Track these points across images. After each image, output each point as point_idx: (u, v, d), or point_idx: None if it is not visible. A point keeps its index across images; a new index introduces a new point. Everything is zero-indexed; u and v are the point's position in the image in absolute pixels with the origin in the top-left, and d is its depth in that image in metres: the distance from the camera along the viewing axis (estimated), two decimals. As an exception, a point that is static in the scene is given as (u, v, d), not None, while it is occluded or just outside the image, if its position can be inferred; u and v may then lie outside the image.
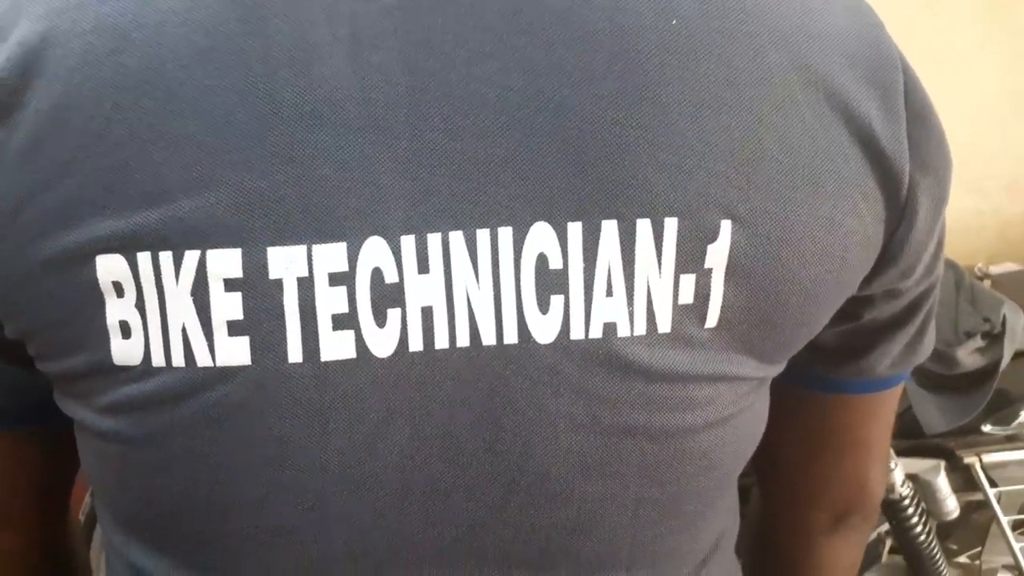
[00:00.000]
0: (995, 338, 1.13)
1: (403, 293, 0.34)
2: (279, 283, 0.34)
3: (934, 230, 0.42)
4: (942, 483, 1.20)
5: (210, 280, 0.34)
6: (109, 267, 0.34)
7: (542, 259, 0.34)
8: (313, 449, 0.36)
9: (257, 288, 0.34)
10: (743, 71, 0.35)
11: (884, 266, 0.41)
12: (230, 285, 0.34)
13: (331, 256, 0.34)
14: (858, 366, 0.48)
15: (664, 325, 0.36)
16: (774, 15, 0.36)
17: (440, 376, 0.35)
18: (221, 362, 0.35)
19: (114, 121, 0.34)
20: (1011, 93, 1.84)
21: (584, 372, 0.35)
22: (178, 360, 0.35)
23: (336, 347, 0.34)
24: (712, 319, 0.37)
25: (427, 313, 0.35)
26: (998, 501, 1.23)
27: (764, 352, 0.39)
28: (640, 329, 0.35)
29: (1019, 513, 1.29)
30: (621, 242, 0.34)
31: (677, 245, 0.35)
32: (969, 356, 1.13)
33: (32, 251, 0.35)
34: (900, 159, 0.38)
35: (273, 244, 0.33)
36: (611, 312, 0.35)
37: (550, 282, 0.35)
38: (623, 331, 0.35)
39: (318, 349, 0.34)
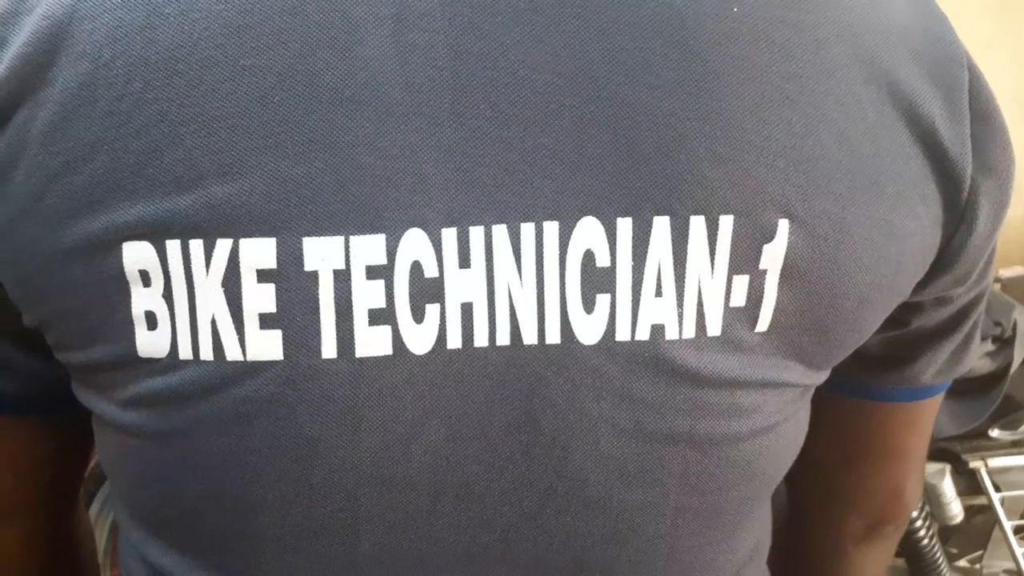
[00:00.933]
0: (1005, 342, 1.13)
1: (443, 288, 0.33)
2: (314, 275, 0.32)
3: (993, 236, 0.40)
4: (947, 487, 1.19)
5: (242, 270, 0.32)
6: (136, 255, 0.33)
7: (589, 256, 0.33)
8: (345, 448, 0.34)
9: (291, 280, 0.32)
10: (805, 64, 0.34)
11: (939, 272, 0.40)
12: (263, 276, 0.32)
13: (369, 248, 0.32)
14: (902, 374, 0.47)
15: (714, 328, 0.34)
16: (838, 6, 0.35)
17: (478, 375, 0.34)
18: (252, 356, 0.33)
19: (144, 100, 0.32)
20: (1014, 94, 1.83)
21: (628, 375, 0.34)
22: (206, 353, 0.34)
23: (372, 343, 0.33)
24: (764, 323, 0.35)
25: (467, 309, 0.33)
26: (1001, 505, 1.22)
27: (813, 358, 0.38)
28: (689, 332, 0.34)
29: (1021, 518, 1.28)
30: (673, 240, 0.33)
31: (732, 244, 0.33)
32: (979, 360, 1.12)
33: (55, 236, 0.34)
34: (962, 161, 0.37)
35: (309, 234, 0.32)
36: (659, 313, 0.33)
37: (596, 280, 0.33)
38: (671, 334, 0.34)
39: (353, 345, 0.33)
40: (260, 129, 0.32)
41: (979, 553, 1.34)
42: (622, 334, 0.33)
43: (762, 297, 0.35)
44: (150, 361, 0.34)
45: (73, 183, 0.33)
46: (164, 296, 0.33)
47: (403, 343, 0.33)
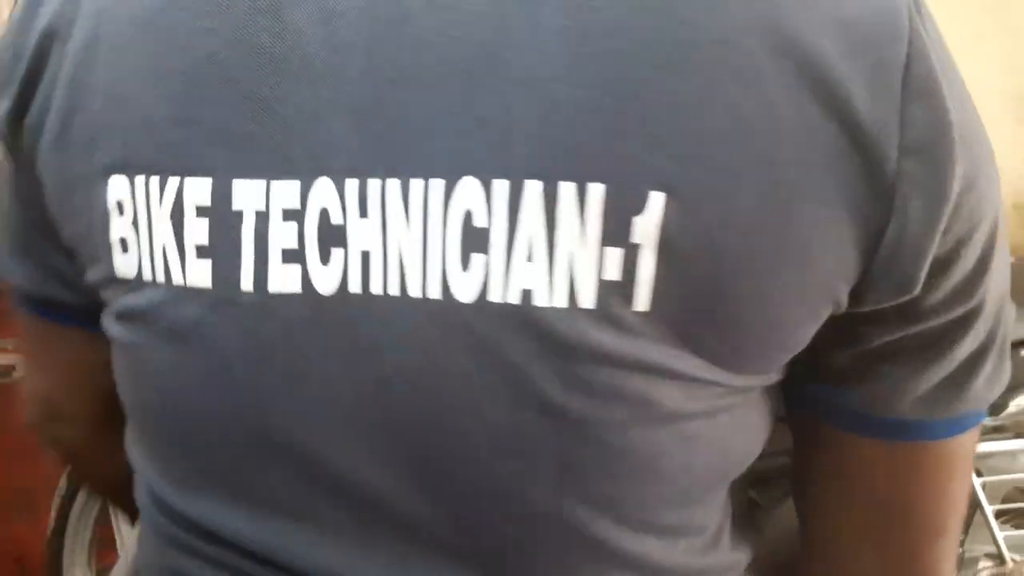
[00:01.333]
0: (988, 329, 1.14)
1: (346, 235, 0.35)
2: (239, 214, 0.36)
3: (933, 234, 0.35)
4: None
5: (185, 205, 0.37)
6: (116, 187, 0.38)
7: (468, 215, 0.33)
8: (254, 376, 0.37)
9: (221, 217, 0.36)
10: (700, 28, 0.32)
11: (875, 275, 0.36)
12: (200, 212, 0.37)
13: (286, 193, 0.35)
14: (865, 394, 0.41)
15: (586, 300, 0.33)
16: None
17: (374, 320, 0.35)
18: (190, 282, 0.37)
19: (127, 54, 0.37)
20: (1007, 89, 1.85)
21: (501, 337, 0.34)
22: (160, 277, 0.38)
23: (283, 280, 0.36)
24: (641, 302, 0.33)
25: (366, 257, 0.35)
26: (983, 490, 1.24)
27: (716, 354, 0.35)
28: (560, 301, 0.33)
29: (1002, 503, 1.30)
30: (545, 205, 0.33)
31: (603, 214, 0.32)
32: (962, 347, 1.13)
33: (71, 166, 0.40)
34: (885, 143, 0.33)
35: (238, 177, 0.36)
36: (530, 278, 0.33)
37: (474, 240, 0.34)
38: (540, 300, 0.33)
39: (266, 280, 0.36)
40: (207, 83, 0.36)
41: (961, 537, 1.36)
42: (494, 295, 0.34)
43: (636, 273, 0.33)
44: (125, 281, 0.40)
45: (82, 121, 0.39)
46: (132, 224, 0.38)
47: (311, 282, 0.36)
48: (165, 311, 0.38)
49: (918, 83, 0.34)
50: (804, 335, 0.37)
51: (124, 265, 0.39)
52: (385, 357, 0.35)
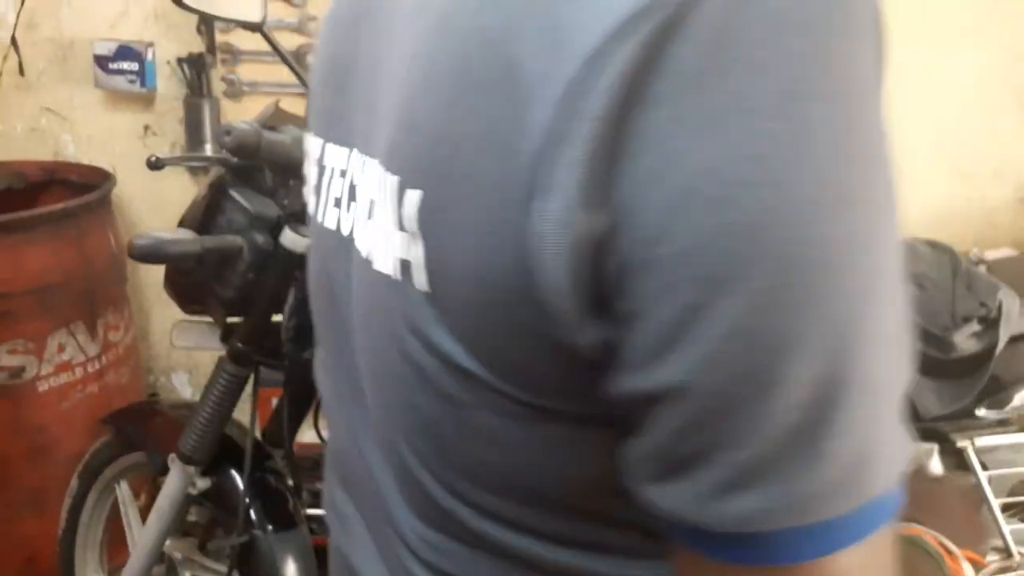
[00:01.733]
0: (991, 323, 1.14)
1: (355, 192, 0.45)
2: (324, 168, 0.49)
3: (563, 253, 0.30)
4: (935, 467, 1.21)
5: (309, 155, 0.52)
6: (308, 140, 0.54)
7: (371, 189, 0.42)
8: (321, 289, 0.52)
9: (320, 169, 0.50)
10: (474, 34, 0.33)
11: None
12: (314, 162, 0.51)
13: (341, 157, 0.47)
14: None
15: (395, 272, 0.39)
16: None
17: (351, 259, 0.45)
18: (311, 211, 0.52)
19: (319, 50, 0.53)
20: (1000, 80, 1.85)
21: (375, 287, 0.41)
22: (309, 205, 0.52)
23: (332, 219, 0.48)
24: (420, 282, 0.37)
25: (360, 211, 0.45)
26: (988, 484, 1.24)
27: (486, 357, 0.35)
28: (385, 268, 0.40)
29: (1008, 496, 1.30)
30: (378, 185, 0.41)
31: (396, 201, 0.38)
32: (966, 341, 1.14)
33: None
34: (534, 156, 0.30)
35: (327, 141, 0.49)
36: (375, 245, 0.41)
37: (368, 206, 0.43)
38: (376, 264, 0.41)
39: (326, 217, 0.49)
40: (330, 73, 0.50)
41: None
42: (366, 253, 0.42)
43: (410, 257, 0.37)
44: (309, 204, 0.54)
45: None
46: (308, 166, 0.53)
47: (339, 224, 0.47)
48: (310, 229, 0.53)
49: (589, 102, 0.29)
50: (534, 355, 0.34)
51: (307, 194, 0.54)
52: (355, 287, 0.46)
